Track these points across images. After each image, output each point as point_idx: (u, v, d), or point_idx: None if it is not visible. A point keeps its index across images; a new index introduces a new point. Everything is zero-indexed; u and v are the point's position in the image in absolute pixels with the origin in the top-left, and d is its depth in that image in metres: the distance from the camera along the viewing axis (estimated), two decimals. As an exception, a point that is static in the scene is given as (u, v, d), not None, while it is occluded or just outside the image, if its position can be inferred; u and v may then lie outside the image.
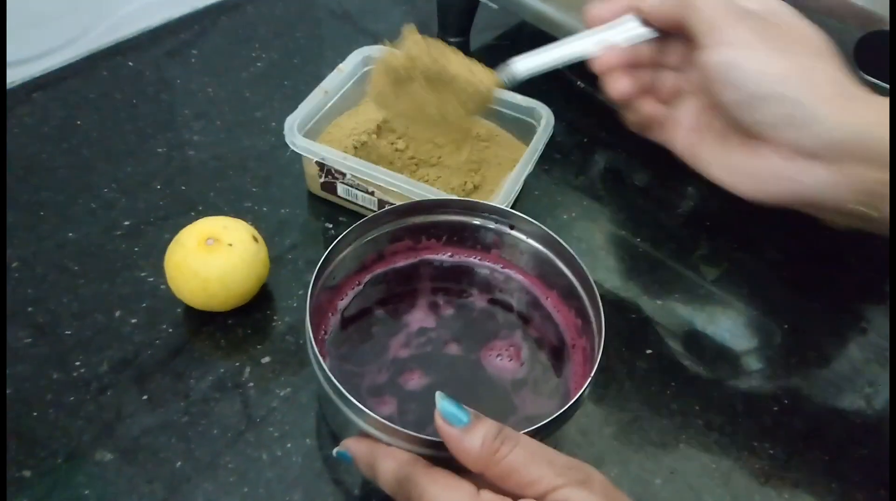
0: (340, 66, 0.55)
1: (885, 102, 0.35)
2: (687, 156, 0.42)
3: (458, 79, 0.44)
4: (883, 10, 0.42)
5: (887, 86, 0.44)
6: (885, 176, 0.34)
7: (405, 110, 0.47)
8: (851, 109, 0.35)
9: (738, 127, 0.39)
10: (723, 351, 0.49)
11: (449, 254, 0.47)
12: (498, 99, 0.55)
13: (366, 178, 0.49)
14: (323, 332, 0.42)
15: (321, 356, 0.36)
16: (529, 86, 0.55)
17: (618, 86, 0.42)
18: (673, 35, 0.41)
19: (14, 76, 0.61)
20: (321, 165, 0.50)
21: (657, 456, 0.43)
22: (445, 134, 0.53)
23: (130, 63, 0.64)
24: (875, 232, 0.37)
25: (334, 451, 0.35)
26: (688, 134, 0.42)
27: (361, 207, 0.53)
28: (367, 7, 0.74)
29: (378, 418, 0.33)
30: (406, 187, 0.47)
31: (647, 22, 0.41)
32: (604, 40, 0.42)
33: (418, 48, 0.44)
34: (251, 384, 0.44)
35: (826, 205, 0.37)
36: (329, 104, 0.53)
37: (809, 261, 0.55)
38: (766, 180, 0.38)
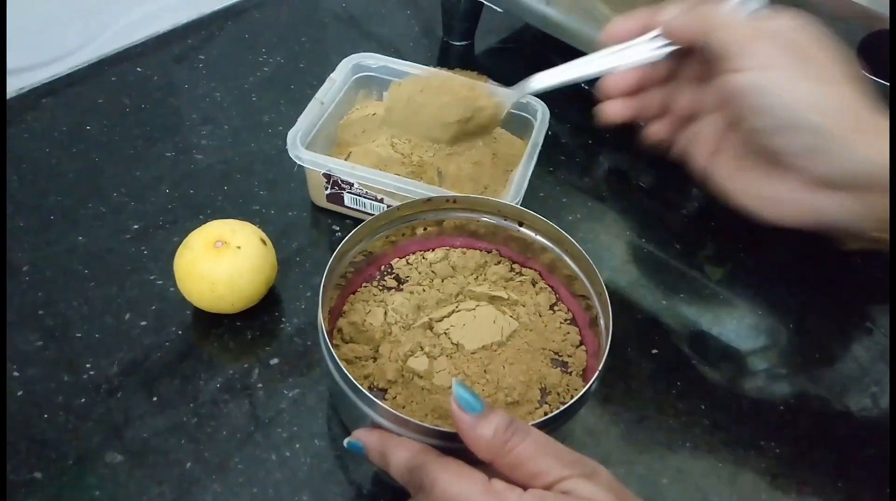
0: (332, 76, 0.55)
1: None
2: (706, 178, 0.41)
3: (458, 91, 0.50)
4: (886, 9, 0.42)
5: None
6: None
7: (407, 117, 0.51)
8: (878, 141, 0.34)
9: (760, 151, 0.38)
10: (728, 351, 0.49)
11: (459, 244, 0.47)
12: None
13: (375, 185, 0.49)
14: (335, 327, 0.42)
15: (333, 348, 0.36)
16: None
17: (609, 111, 0.42)
18: (690, 53, 0.40)
19: (23, 82, 0.61)
20: (328, 177, 0.51)
21: (664, 456, 0.43)
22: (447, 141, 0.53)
23: (138, 68, 0.64)
24: (885, 252, 0.37)
25: (345, 441, 0.35)
26: (706, 156, 0.41)
27: (369, 215, 0.53)
28: (372, 11, 0.74)
29: (390, 409, 0.33)
30: (418, 191, 0.47)
31: (665, 41, 0.40)
32: (617, 60, 0.41)
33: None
34: (260, 385, 0.44)
35: (846, 231, 0.37)
36: (326, 114, 0.53)
37: (814, 261, 0.55)
38: (787, 206, 0.38)
